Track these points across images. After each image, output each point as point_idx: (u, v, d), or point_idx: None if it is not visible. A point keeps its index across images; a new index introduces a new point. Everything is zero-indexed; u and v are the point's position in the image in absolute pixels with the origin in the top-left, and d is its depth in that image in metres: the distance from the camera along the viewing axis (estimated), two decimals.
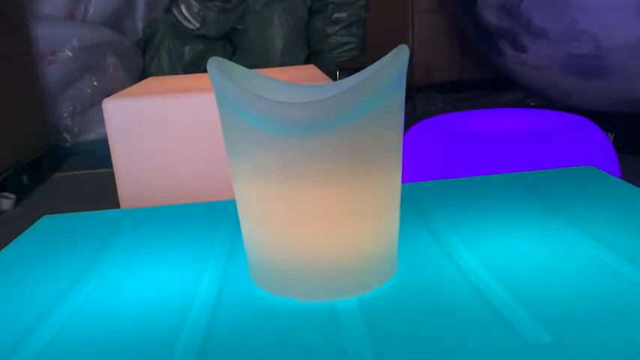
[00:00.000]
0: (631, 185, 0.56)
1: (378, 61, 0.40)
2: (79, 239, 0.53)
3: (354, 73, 0.41)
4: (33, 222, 0.57)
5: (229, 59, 0.42)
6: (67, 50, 2.19)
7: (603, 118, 1.45)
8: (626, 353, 0.31)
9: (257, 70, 0.47)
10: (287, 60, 2.68)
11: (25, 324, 0.39)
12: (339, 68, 2.38)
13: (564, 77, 1.73)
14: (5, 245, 0.52)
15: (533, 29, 1.67)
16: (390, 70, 0.36)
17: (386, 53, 0.39)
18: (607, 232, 0.46)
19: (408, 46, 0.39)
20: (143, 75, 2.63)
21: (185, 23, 2.70)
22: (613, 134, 1.69)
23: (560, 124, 1.01)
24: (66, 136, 2.28)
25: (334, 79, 1.82)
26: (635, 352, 0.31)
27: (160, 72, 2.66)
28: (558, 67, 1.71)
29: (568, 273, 0.40)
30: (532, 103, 2.42)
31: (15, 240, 0.53)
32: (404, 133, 0.40)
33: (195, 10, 2.68)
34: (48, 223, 0.57)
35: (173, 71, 2.67)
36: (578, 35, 1.58)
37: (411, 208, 0.53)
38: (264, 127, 0.35)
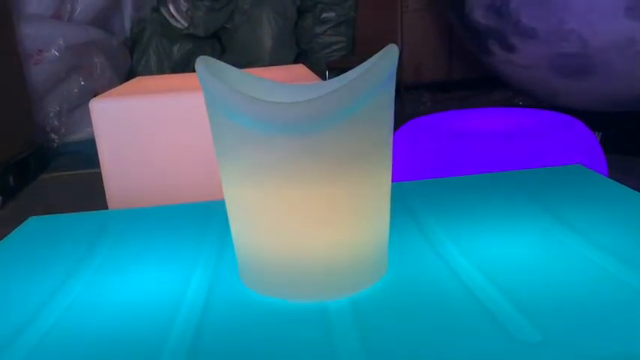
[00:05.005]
0: (618, 184, 0.56)
1: (368, 61, 0.40)
2: (66, 241, 0.52)
3: (343, 73, 0.41)
4: (19, 223, 0.57)
5: (218, 59, 0.41)
6: (53, 50, 2.16)
7: (591, 117, 1.46)
8: (615, 351, 0.32)
9: (246, 69, 0.46)
10: (276, 59, 2.67)
11: (12, 327, 0.38)
12: (329, 68, 2.38)
13: (552, 76, 1.74)
14: None
15: (522, 29, 1.68)
16: (380, 69, 0.36)
17: (375, 53, 0.39)
18: (595, 230, 0.46)
19: (397, 46, 0.39)
20: (131, 74, 2.61)
21: (173, 22, 2.68)
22: (600, 133, 1.71)
23: (548, 123, 1.02)
24: (53, 136, 2.26)
25: (323, 78, 1.82)
26: (624, 351, 0.31)
27: (148, 71, 2.64)
28: (546, 67, 1.72)
29: (557, 271, 0.40)
30: (520, 103, 2.43)
31: (0, 242, 0.53)
32: (394, 132, 0.40)
33: (184, 10, 2.66)
34: (34, 224, 0.57)
35: (161, 71, 2.66)
36: (565, 35, 1.59)
37: (400, 207, 0.53)
38: (253, 127, 0.35)
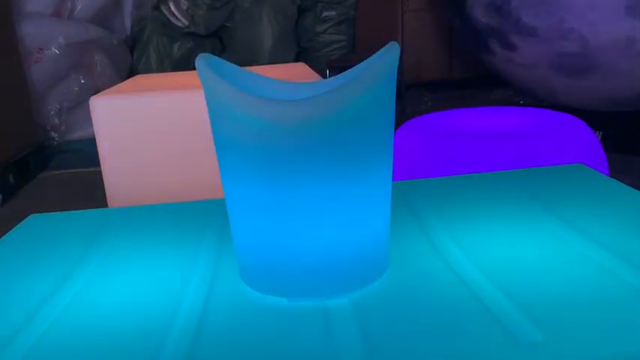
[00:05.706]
0: (619, 183, 0.56)
1: (369, 59, 0.40)
2: (66, 239, 0.52)
3: (343, 71, 0.41)
4: (19, 221, 0.57)
5: (218, 57, 0.41)
6: (53, 48, 2.17)
7: (591, 116, 1.46)
8: (616, 351, 0.31)
9: (246, 67, 0.46)
10: (276, 58, 2.67)
11: (11, 325, 0.38)
12: (329, 66, 2.37)
13: (553, 75, 1.74)
14: None
15: (522, 27, 1.68)
16: (381, 67, 0.36)
17: (376, 51, 0.39)
18: (596, 229, 0.46)
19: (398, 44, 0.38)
20: (131, 73, 2.61)
21: (174, 21, 2.68)
22: (601, 132, 1.70)
23: (549, 122, 1.02)
24: (53, 134, 2.26)
25: (324, 77, 1.82)
26: (626, 350, 0.31)
27: (148, 70, 2.64)
28: (547, 66, 1.72)
29: (559, 271, 0.40)
30: (521, 102, 2.43)
31: (1, 239, 0.53)
32: (394, 131, 0.40)
33: (184, 8, 2.66)
34: (35, 222, 0.57)
35: (161, 69, 2.65)
36: (566, 33, 1.59)
37: (401, 206, 0.53)
38: (254, 125, 0.35)
